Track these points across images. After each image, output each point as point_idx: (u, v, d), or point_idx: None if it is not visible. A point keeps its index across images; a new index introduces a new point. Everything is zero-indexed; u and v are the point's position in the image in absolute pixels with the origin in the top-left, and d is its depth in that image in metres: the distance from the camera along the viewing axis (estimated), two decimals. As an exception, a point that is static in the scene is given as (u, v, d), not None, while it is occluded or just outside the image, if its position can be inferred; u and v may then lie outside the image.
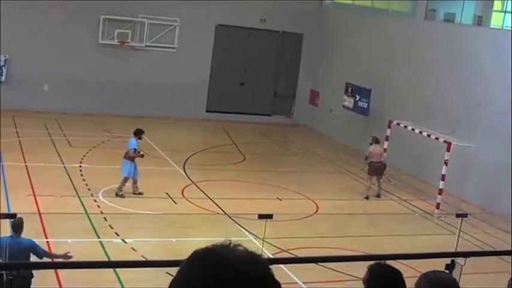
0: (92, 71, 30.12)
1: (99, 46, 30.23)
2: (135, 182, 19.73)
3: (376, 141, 22.55)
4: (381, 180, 22.54)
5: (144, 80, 30.92)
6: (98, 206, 18.32)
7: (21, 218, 11.61)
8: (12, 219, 11.55)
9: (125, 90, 30.74)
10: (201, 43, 31.88)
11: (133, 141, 19.78)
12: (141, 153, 19.77)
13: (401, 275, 4.74)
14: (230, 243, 2.14)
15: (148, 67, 31.08)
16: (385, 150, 23.31)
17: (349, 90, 29.25)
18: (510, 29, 22.99)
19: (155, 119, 29.66)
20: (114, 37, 30.28)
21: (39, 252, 11.52)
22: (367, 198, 22.20)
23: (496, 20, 25.01)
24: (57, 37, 29.33)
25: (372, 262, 5.03)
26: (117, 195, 19.35)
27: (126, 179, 19.52)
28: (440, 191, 21.34)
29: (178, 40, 31.45)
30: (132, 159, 19.53)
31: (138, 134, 19.87)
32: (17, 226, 11.49)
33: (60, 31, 29.29)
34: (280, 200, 20.95)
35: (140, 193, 19.73)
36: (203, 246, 2.13)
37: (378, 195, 22.40)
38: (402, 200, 22.55)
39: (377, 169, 22.36)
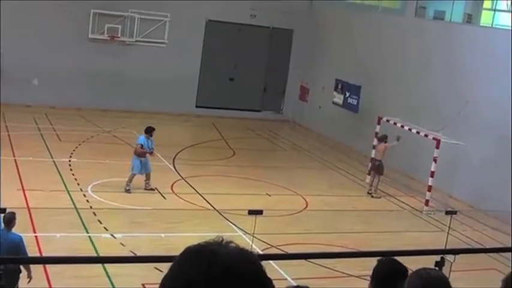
0: (82, 66, 29.99)
1: (89, 41, 30.10)
2: (147, 178, 19.76)
3: (381, 138, 22.66)
4: (377, 180, 22.48)
5: (134, 75, 30.81)
6: (87, 201, 18.23)
7: (13, 213, 11.52)
8: (3, 214, 11.44)
9: (115, 84, 30.63)
10: (191, 38, 31.80)
11: (141, 138, 19.87)
12: (151, 150, 19.78)
13: (407, 272, 5.03)
14: (222, 240, 2.14)
15: (138, 62, 30.97)
16: (374, 147, 23.35)
17: (339, 86, 29.22)
18: (499, 27, 23.02)
19: (145, 113, 29.53)
20: (104, 32, 30.15)
21: (22, 252, 11.36)
22: (369, 194, 22.40)
23: (486, 18, 25.03)
24: (47, 31, 29.19)
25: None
26: (125, 190, 19.38)
27: (133, 175, 19.52)
28: (429, 188, 21.36)
29: (168, 35, 31.36)
30: (140, 155, 19.52)
31: (149, 131, 19.89)
32: (9, 220, 11.37)
33: (50, 25, 29.15)
34: (269, 195, 20.89)
35: (152, 189, 19.75)
36: (192, 241, 2.11)
37: (368, 192, 22.44)
38: (391, 196, 22.55)
39: (372, 167, 22.60)
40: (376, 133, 23.82)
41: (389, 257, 5.59)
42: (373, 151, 23.19)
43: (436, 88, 24.56)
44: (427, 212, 21.05)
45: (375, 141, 23.36)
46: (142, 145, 19.65)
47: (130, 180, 19.53)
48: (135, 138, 21.25)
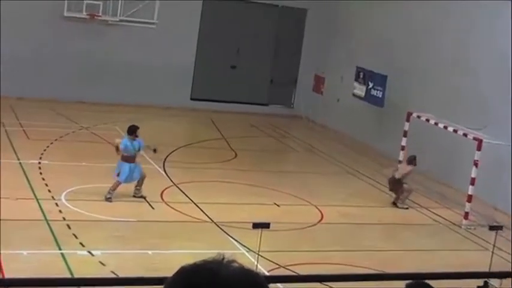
0: (55, 49, 30.00)
1: (64, 20, 30.07)
2: (139, 184, 19.79)
3: (410, 160, 22.42)
4: (408, 193, 22.46)
5: (117, 62, 30.82)
6: (60, 211, 18.21)
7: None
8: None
9: (95, 72, 30.62)
10: (186, 18, 31.77)
11: (123, 141, 19.76)
12: (153, 148, 20.16)
13: None
14: (223, 259, 2.13)
15: (122, 46, 30.99)
16: (402, 148, 23.29)
17: (361, 76, 29.22)
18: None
19: (130, 107, 29.54)
20: (83, 9, 30.12)
21: None
22: (394, 204, 22.47)
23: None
24: (13, 8, 29.11)
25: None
26: (105, 198, 19.31)
27: (118, 183, 19.47)
28: (470, 198, 21.25)
29: (158, 14, 31.33)
30: (126, 159, 19.47)
31: (131, 132, 19.84)
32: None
33: (17, 1, 29.08)
34: (277, 205, 20.90)
35: (142, 196, 19.81)
36: (186, 260, 2.03)
37: (393, 202, 22.42)
38: (423, 207, 22.49)
39: (391, 182, 22.47)
40: (405, 131, 23.76)
41: (420, 280, 5.61)
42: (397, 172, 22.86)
43: (479, 77, 24.39)
44: (466, 227, 20.97)
45: (401, 158, 23.34)
46: (117, 148, 19.59)
47: (114, 188, 19.47)
48: (118, 136, 21.21)
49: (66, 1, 29.87)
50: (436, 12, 26.78)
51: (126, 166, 19.49)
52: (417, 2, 27.84)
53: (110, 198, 19.39)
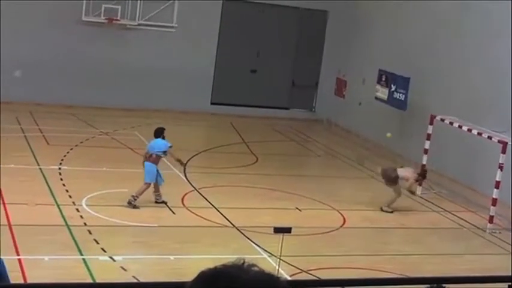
0: (74, 54, 30.07)
1: (82, 24, 30.15)
2: (156, 190, 19.81)
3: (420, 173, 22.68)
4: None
5: (136, 66, 30.85)
6: (81, 217, 18.28)
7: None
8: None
9: (114, 77, 30.68)
10: (206, 22, 31.79)
11: (164, 143, 19.88)
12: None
13: None
14: (244, 263, 2.17)
15: (141, 50, 31.03)
16: (425, 151, 23.23)
17: (383, 78, 29.09)
18: None
19: (149, 112, 29.59)
20: (101, 13, 30.21)
21: (3, 278, 11.25)
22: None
23: None
24: (32, 13, 29.27)
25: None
26: (129, 203, 19.28)
27: (148, 185, 19.54)
28: (494, 201, 21.16)
29: (178, 18, 31.36)
30: (155, 161, 19.59)
31: (159, 135, 19.98)
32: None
33: (35, 5, 29.20)
34: (299, 210, 20.89)
35: (163, 202, 19.84)
36: (207, 264, 2.10)
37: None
38: (447, 211, 22.44)
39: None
40: (429, 135, 23.67)
41: (440, 284, 5.52)
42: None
43: (505, 78, 24.19)
44: (491, 231, 20.91)
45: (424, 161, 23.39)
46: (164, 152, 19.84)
47: (141, 192, 19.55)
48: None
49: (84, 5, 29.95)
50: (459, 13, 26.65)
51: (155, 167, 19.57)
52: (438, 2, 27.77)
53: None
